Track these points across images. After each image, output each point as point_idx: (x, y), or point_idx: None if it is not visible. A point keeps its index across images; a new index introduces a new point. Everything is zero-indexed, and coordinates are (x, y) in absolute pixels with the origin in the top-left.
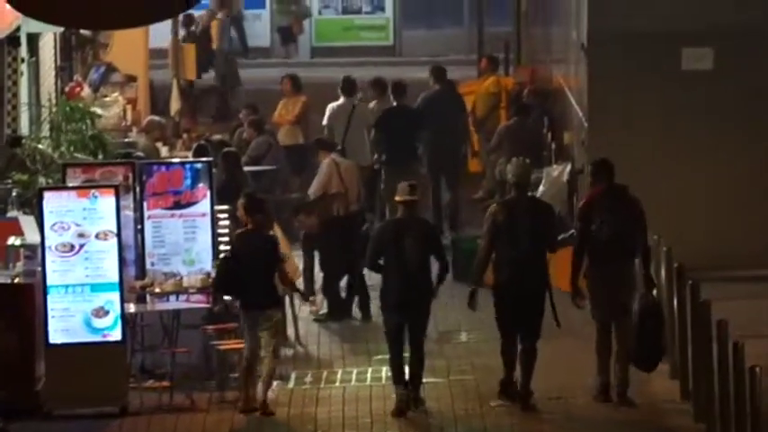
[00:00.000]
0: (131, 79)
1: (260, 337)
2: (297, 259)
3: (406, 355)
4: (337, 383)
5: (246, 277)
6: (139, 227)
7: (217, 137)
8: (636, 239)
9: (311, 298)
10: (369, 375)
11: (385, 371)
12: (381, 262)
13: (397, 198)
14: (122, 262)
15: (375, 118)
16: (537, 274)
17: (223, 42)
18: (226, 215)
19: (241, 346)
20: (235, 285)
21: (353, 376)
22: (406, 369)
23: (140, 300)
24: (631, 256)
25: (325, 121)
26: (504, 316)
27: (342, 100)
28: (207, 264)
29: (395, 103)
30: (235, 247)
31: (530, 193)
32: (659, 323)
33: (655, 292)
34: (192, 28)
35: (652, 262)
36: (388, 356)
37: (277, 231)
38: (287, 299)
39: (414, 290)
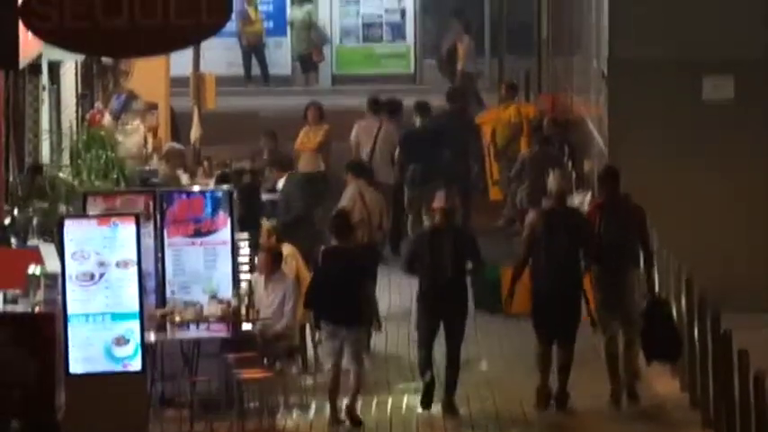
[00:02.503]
0: (152, 107)
1: (344, 351)
2: None
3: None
4: (358, 413)
5: (333, 291)
6: (160, 255)
7: (237, 165)
8: (637, 248)
9: None
10: (389, 405)
11: (406, 400)
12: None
13: (434, 205)
14: (143, 290)
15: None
16: (573, 281)
17: (468, 64)
18: (246, 243)
19: (260, 375)
20: (321, 299)
21: (374, 407)
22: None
23: (160, 328)
24: (632, 264)
25: (352, 138)
26: (541, 322)
27: (368, 118)
28: (227, 292)
29: (418, 123)
30: (321, 261)
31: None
32: (668, 315)
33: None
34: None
35: (673, 292)
36: (411, 383)
37: (297, 258)
38: (307, 326)
39: (449, 296)
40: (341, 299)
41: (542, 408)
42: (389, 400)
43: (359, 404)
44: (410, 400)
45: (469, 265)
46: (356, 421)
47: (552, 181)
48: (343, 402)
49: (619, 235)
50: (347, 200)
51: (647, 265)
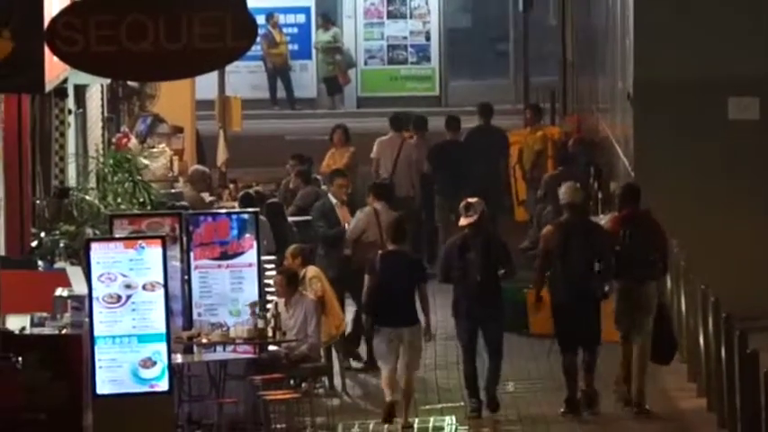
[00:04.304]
0: (178, 130)
1: (400, 354)
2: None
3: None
4: (409, 418)
5: (392, 294)
6: (186, 277)
7: (258, 188)
8: (656, 261)
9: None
10: (416, 426)
11: (432, 421)
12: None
13: (460, 223)
14: (169, 313)
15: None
16: (590, 289)
17: None
18: (272, 265)
19: (287, 396)
20: (380, 303)
21: (399, 427)
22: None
23: (187, 350)
24: (651, 276)
25: (373, 154)
26: (563, 332)
27: (390, 134)
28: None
29: (449, 137)
30: (378, 266)
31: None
32: (663, 320)
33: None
34: None
35: (700, 312)
36: (437, 405)
37: (322, 279)
38: (333, 350)
39: (482, 300)
40: (400, 301)
41: (575, 415)
42: (416, 422)
43: (410, 408)
44: (436, 422)
45: (501, 271)
46: (409, 426)
47: (564, 192)
48: (401, 411)
49: (641, 249)
50: (360, 220)
51: (660, 277)
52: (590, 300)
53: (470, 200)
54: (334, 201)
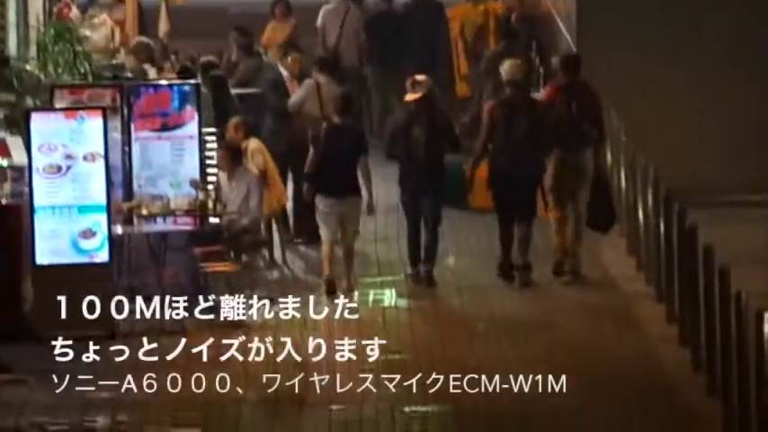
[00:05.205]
0: (119, 0)
1: (340, 222)
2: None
3: None
4: (324, 306)
5: (334, 165)
6: (127, 149)
7: (204, 58)
8: (592, 130)
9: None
10: (356, 299)
11: (372, 294)
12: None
13: (406, 99)
14: (110, 184)
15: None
16: (531, 162)
17: None
18: (213, 138)
19: (227, 268)
20: (322, 174)
21: (340, 300)
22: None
23: (127, 222)
24: (586, 144)
25: (318, 24)
26: (501, 203)
27: (334, 2)
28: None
29: (383, 7)
30: (322, 138)
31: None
32: (601, 187)
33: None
34: None
35: (639, 187)
36: (377, 278)
37: (264, 152)
38: (273, 222)
39: (427, 174)
40: (342, 172)
41: (507, 281)
42: (355, 295)
43: (351, 275)
44: (376, 296)
45: (446, 146)
46: (351, 290)
47: (506, 70)
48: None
49: (576, 117)
50: (301, 91)
51: (598, 144)
52: (529, 173)
53: (418, 77)
54: (284, 74)
